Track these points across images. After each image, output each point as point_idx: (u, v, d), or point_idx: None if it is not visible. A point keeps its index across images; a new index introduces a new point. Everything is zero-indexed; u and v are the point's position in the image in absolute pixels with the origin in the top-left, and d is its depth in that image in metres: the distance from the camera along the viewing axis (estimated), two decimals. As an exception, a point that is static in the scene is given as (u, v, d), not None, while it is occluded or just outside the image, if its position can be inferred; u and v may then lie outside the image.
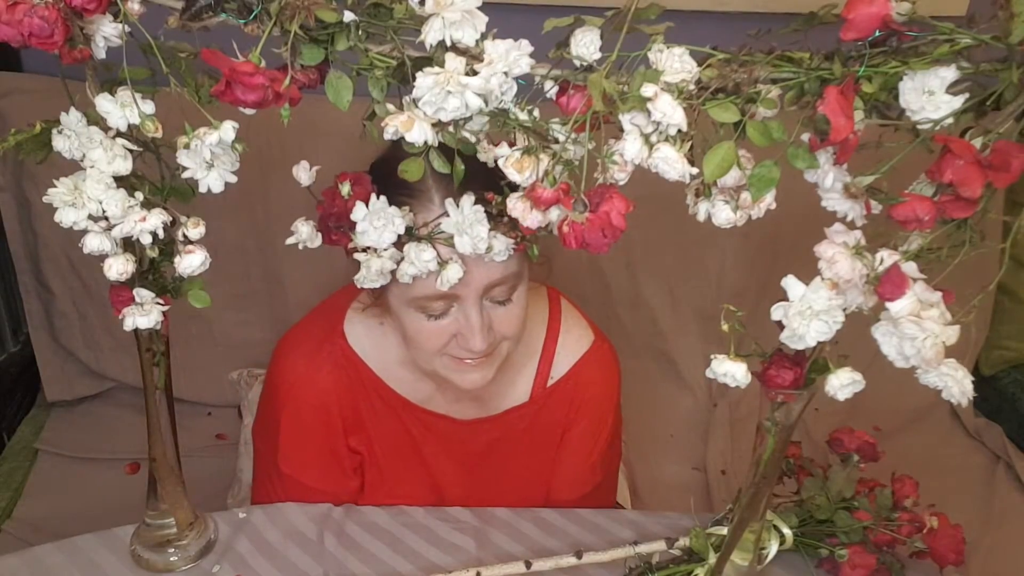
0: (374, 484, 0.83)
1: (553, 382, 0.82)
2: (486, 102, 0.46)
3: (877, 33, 0.42)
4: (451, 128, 0.49)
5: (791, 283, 0.50)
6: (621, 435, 0.92)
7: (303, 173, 0.60)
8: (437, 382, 0.78)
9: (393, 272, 0.62)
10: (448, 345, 0.70)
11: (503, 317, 0.70)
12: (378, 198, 0.58)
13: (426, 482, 0.84)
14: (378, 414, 0.81)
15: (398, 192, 0.62)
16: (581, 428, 0.84)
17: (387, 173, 0.62)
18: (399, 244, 0.60)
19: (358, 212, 0.58)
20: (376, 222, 0.58)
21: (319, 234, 0.61)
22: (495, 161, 0.53)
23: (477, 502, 0.82)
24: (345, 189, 0.58)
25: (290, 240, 0.61)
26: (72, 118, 0.51)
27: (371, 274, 0.60)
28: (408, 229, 0.60)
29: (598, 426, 0.84)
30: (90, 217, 0.53)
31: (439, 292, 0.64)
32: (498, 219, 0.59)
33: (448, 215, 0.59)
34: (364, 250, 0.60)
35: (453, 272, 0.62)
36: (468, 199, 0.58)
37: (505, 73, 0.45)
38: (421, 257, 0.60)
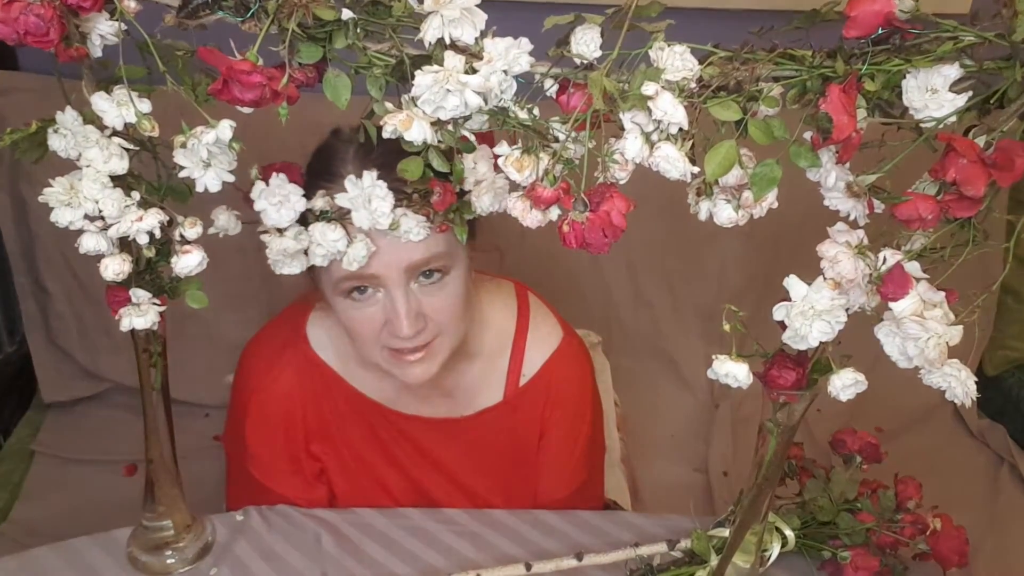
0: (347, 493, 0.82)
1: (526, 380, 0.81)
2: (485, 100, 0.46)
3: (880, 31, 0.42)
4: (450, 127, 0.49)
5: (793, 283, 0.49)
6: (603, 429, 0.91)
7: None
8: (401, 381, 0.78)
9: (307, 255, 0.61)
10: (382, 334, 0.68)
11: (436, 305, 0.68)
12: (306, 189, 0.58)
13: (406, 488, 0.83)
14: (344, 418, 0.80)
15: (319, 179, 0.62)
16: (560, 427, 0.83)
17: (313, 161, 0.65)
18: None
19: (255, 190, 0.57)
20: (272, 199, 0.57)
21: (239, 222, 0.61)
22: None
23: (463, 505, 0.81)
24: (253, 173, 0.58)
25: (211, 230, 0.61)
26: (68, 117, 0.51)
27: (274, 254, 0.59)
28: (324, 213, 0.59)
29: (577, 423, 0.84)
30: (86, 217, 0.53)
31: (357, 273, 0.62)
32: (409, 196, 0.58)
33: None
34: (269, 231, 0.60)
35: (357, 250, 0.60)
36: (370, 174, 0.56)
37: (505, 71, 0.45)
38: (327, 236, 0.59)
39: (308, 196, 0.59)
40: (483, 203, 0.56)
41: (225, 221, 0.61)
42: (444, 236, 0.63)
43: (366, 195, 0.56)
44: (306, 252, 0.61)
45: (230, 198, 0.59)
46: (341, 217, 0.60)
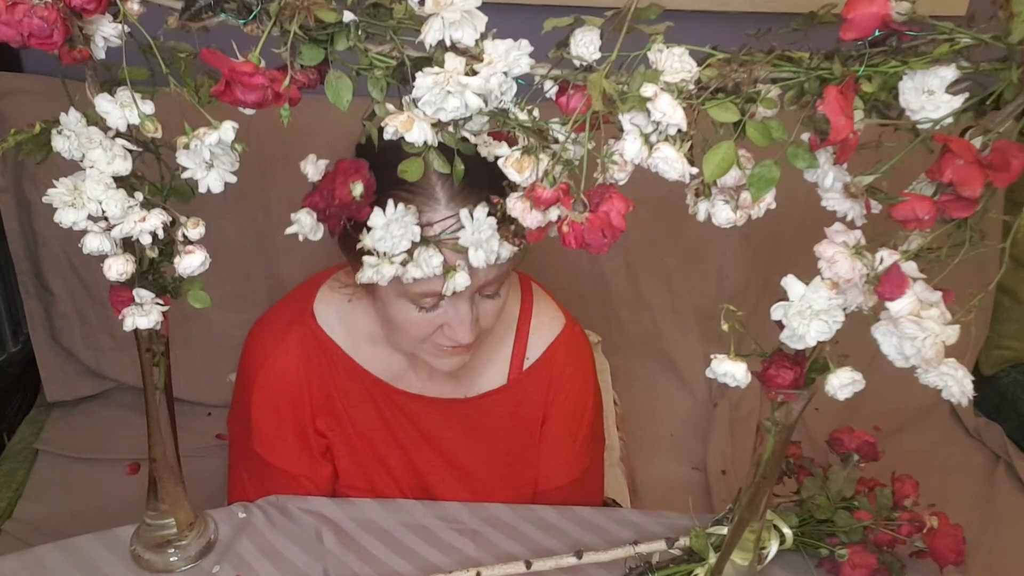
0: (349, 471, 0.82)
1: (529, 364, 0.83)
2: (486, 102, 0.46)
3: (877, 33, 0.42)
4: (451, 128, 0.49)
5: (791, 283, 0.50)
6: (603, 420, 0.92)
7: (311, 167, 0.59)
8: (411, 360, 0.78)
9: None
10: (434, 334, 0.70)
11: (487, 309, 0.70)
12: (383, 196, 0.57)
13: (407, 470, 0.83)
14: (349, 395, 0.80)
15: (399, 186, 0.60)
16: (562, 412, 0.84)
17: (384, 162, 0.61)
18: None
19: (376, 219, 0.57)
20: (395, 231, 0.57)
21: (320, 225, 0.60)
22: (496, 159, 0.52)
23: (462, 492, 0.82)
24: (358, 191, 0.57)
25: (290, 230, 0.60)
26: (72, 118, 0.51)
27: (383, 279, 0.60)
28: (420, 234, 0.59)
29: (579, 409, 0.85)
30: (90, 217, 0.53)
31: (434, 290, 0.64)
32: (503, 224, 0.59)
33: (460, 224, 0.59)
34: (371, 252, 0.59)
35: (461, 280, 0.61)
36: (481, 210, 0.58)
37: (505, 73, 0.45)
38: (431, 263, 0.59)
39: (379, 195, 0.58)
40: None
41: (308, 224, 0.59)
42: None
43: (484, 235, 0.58)
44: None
45: (288, 201, 0.57)
46: (440, 241, 0.60)
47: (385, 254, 0.59)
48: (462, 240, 0.59)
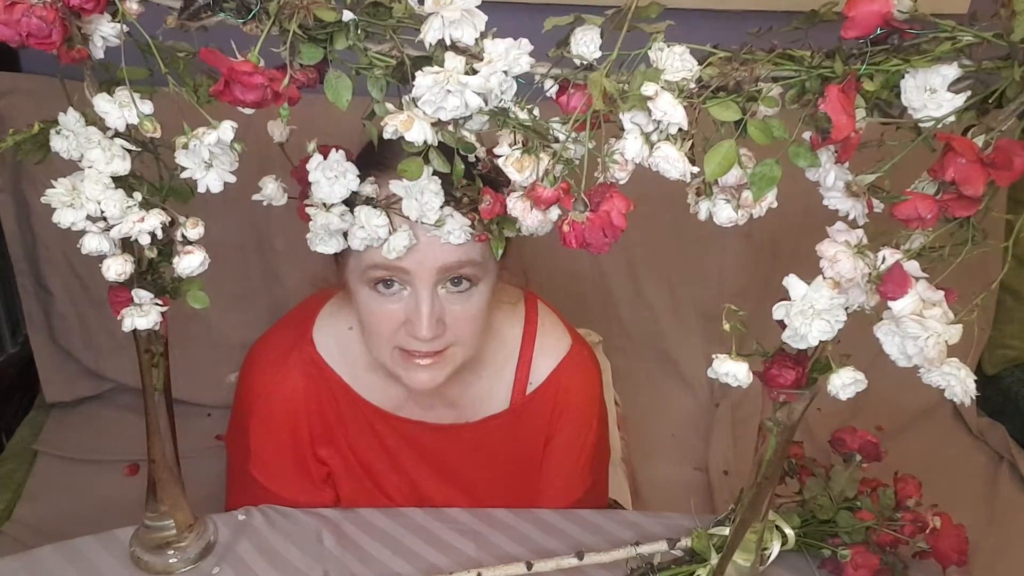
0: (351, 497, 0.81)
1: (533, 389, 0.81)
2: (486, 101, 0.46)
3: (878, 31, 0.42)
4: (451, 127, 0.49)
5: (793, 282, 0.49)
6: (608, 436, 0.91)
7: (276, 130, 0.60)
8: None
9: (346, 237, 0.61)
10: (398, 333, 0.68)
11: (458, 313, 0.68)
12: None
13: (409, 494, 0.83)
14: (347, 423, 0.79)
15: (370, 168, 0.62)
16: (566, 436, 0.83)
17: (365, 152, 0.63)
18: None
19: (312, 162, 0.57)
20: (328, 172, 0.57)
21: (285, 193, 0.61)
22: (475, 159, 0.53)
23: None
24: (311, 147, 0.57)
25: (256, 196, 0.61)
26: (70, 118, 0.51)
27: (316, 228, 0.59)
28: (369, 200, 0.60)
29: (583, 432, 0.83)
30: (88, 218, 0.53)
31: (389, 263, 0.62)
32: (459, 203, 0.58)
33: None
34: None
35: (399, 239, 0.61)
36: (427, 169, 0.56)
37: (505, 72, 0.45)
38: (371, 221, 0.59)
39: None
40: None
41: (272, 190, 0.61)
42: (481, 246, 0.63)
43: (420, 187, 0.57)
44: (345, 235, 0.61)
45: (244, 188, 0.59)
46: (388, 206, 0.60)
47: (324, 204, 0.58)
48: (392, 186, 0.58)
